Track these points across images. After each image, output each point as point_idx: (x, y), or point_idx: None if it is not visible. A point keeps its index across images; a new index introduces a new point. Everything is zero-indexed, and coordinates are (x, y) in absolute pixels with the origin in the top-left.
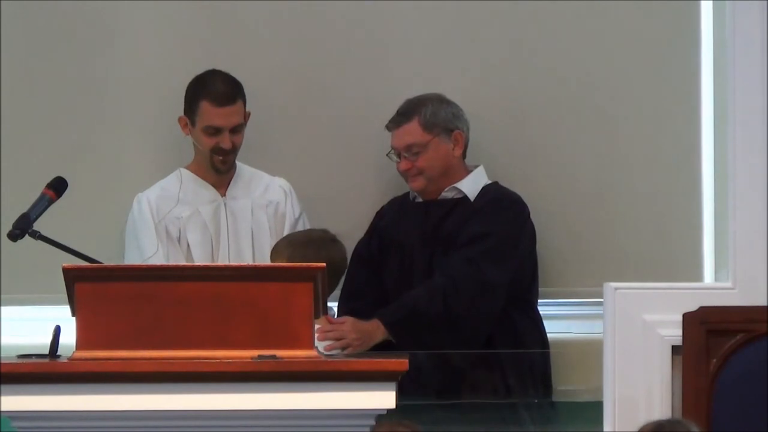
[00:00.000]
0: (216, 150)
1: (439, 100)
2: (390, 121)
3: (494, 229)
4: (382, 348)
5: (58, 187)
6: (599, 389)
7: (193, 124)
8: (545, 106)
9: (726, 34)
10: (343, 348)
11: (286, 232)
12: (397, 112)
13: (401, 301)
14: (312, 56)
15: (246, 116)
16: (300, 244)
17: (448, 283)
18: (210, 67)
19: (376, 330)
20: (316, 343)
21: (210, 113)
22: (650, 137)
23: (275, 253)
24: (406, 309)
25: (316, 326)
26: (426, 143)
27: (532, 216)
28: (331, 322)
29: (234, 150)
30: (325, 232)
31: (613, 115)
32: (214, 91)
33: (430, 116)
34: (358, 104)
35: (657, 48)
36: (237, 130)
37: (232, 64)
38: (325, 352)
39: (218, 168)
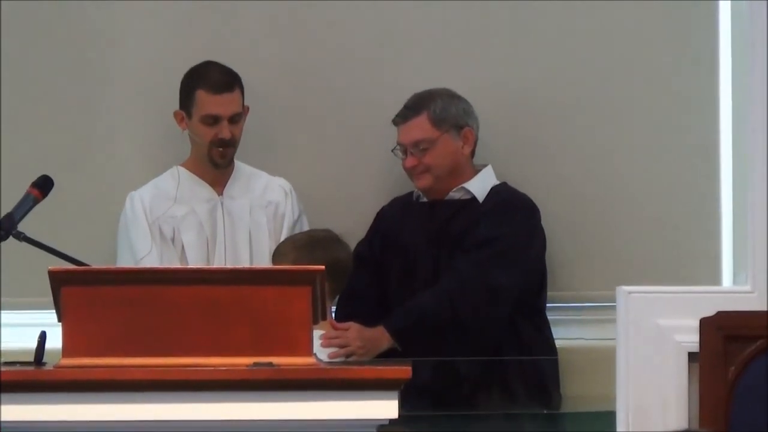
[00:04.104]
0: (215, 142)
1: (450, 95)
2: (397, 116)
3: (504, 233)
4: (386, 356)
5: (43, 186)
6: (612, 398)
7: (189, 116)
8: (555, 103)
9: (744, 33)
10: (348, 356)
11: (284, 234)
12: (405, 105)
13: (407, 308)
14: (313, 50)
15: (245, 110)
16: (305, 246)
17: (456, 289)
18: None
19: (381, 337)
20: (318, 349)
21: (207, 102)
22: (666, 135)
23: (280, 255)
24: (413, 316)
25: (321, 332)
26: (434, 139)
27: (541, 217)
28: (335, 328)
29: (233, 142)
30: (327, 232)
31: (628, 113)
32: (210, 79)
33: (440, 111)
34: (361, 99)
35: (674, 44)
36: (236, 120)
37: (229, 58)
38: (327, 359)
39: (217, 162)
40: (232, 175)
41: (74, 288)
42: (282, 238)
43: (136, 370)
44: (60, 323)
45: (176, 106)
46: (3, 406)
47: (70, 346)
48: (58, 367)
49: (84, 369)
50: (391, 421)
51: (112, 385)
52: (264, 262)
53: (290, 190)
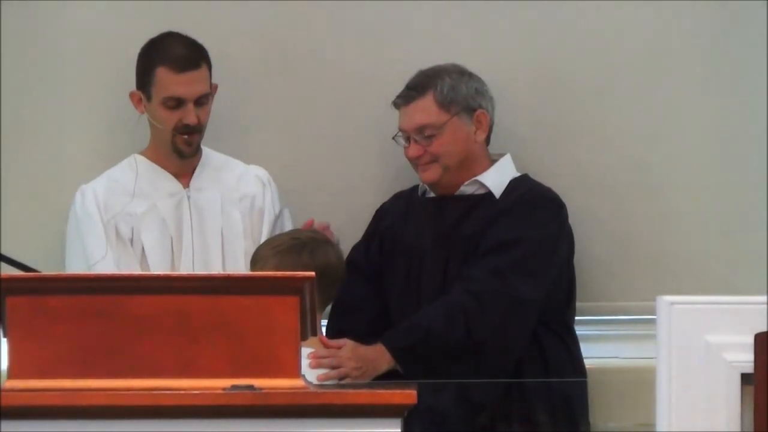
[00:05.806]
0: (179, 128)
1: (460, 73)
2: (398, 97)
3: (526, 234)
4: (385, 379)
5: None
6: (650, 426)
7: (148, 98)
8: (585, 82)
9: None
10: (340, 378)
11: (264, 234)
12: (408, 85)
13: (411, 323)
14: (297, 16)
15: (213, 89)
16: (288, 249)
17: (470, 301)
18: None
19: (380, 357)
20: (306, 370)
21: (169, 81)
22: (715, 120)
23: (259, 261)
24: (419, 333)
25: (308, 350)
26: (442, 124)
27: (569, 216)
28: (326, 345)
29: (200, 127)
30: (314, 232)
31: (669, 94)
32: (172, 54)
33: (448, 91)
34: (357, 76)
35: (726, 10)
36: (202, 102)
37: (194, 28)
38: (317, 382)
39: (182, 150)
40: (200, 164)
41: (21, 298)
42: (261, 237)
43: (94, 394)
44: (4, 339)
45: (132, 85)
46: None
47: (16, 367)
48: (2, 390)
49: (33, 393)
50: None
51: (66, 412)
52: (238, 264)
53: (269, 180)
